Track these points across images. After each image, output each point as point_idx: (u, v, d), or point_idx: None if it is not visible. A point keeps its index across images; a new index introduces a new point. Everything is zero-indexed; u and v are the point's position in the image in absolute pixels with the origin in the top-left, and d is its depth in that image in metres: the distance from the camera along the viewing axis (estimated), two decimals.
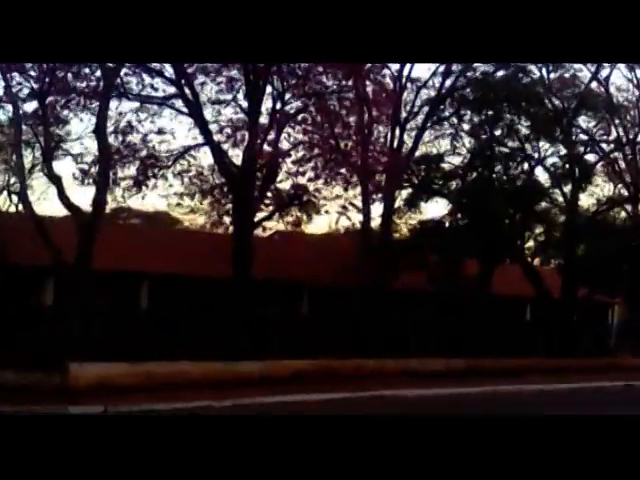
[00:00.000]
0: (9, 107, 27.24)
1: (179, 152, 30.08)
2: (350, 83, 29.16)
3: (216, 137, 28.89)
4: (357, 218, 34.53)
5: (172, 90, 28.45)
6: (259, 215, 30.01)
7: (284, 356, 26.88)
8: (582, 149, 40.82)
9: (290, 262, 32.40)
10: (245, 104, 28.83)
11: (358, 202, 33.52)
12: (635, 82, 41.92)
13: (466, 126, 37.94)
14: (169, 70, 27.73)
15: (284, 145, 29.37)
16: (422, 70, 41.75)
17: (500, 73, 36.57)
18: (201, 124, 28.15)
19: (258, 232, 31.25)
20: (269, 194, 30.02)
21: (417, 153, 36.71)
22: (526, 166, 38.94)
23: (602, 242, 37.89)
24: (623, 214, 43.95)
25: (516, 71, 36.25)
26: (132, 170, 29.62)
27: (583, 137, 41.35)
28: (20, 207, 28.13)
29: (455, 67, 35.71)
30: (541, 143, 38.69)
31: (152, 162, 29.67)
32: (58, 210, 29.02)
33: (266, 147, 28.31)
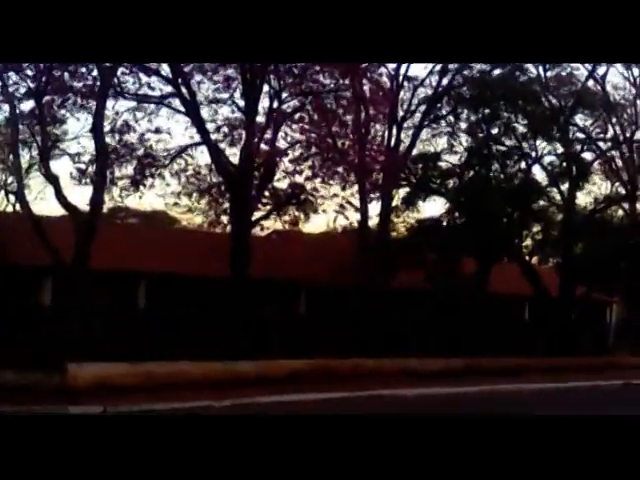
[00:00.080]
0: (6, 107, 27.17)
1: (176, 151, 30.11)
2: (347, 82, 29.14)
3: (213, 136, 28.94)
4: (355, 217, 34.56)
5: (169, 89, 28.49)
6: (256, 214, 29.99)
7: (282, 356, 26.85)
8: (579, 147, 40.82)
9: (288, 261, 32.37)
10: (242, 103, 28.83)
11: (355, 201, 33.56)
12: (632, 80, 41.97)
13: (463, 124, 38.02)
14: (166, 69, 27.72)
15: (281, 144, 29.41)
16: (419, 69, 41.78)
17: (497, 71, 36.57)
18: (198, 123, 28.13)
19: (256, 231, 31.19)
20: (266, 193, 30.01)
21: (414, 152, 36.75)
22: (523, 164, 38.97)
23: (600, 240, 37.89)
24: (620, 212, 44.03)
25: (513, 69, 36.26)
26: (129, 169, 29.70)
27: (580, 135, 41.34)
28: (17, 207, 28.04)
29: (452, 65, 35.67)
30: (538, 141, 38.72)
31: (149, 161, 29.68)
32: (55, 210, 29.02)
33: (263, 146, 28.30)
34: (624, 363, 37.62)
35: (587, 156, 41.37)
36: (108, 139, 27.57)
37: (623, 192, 43.06)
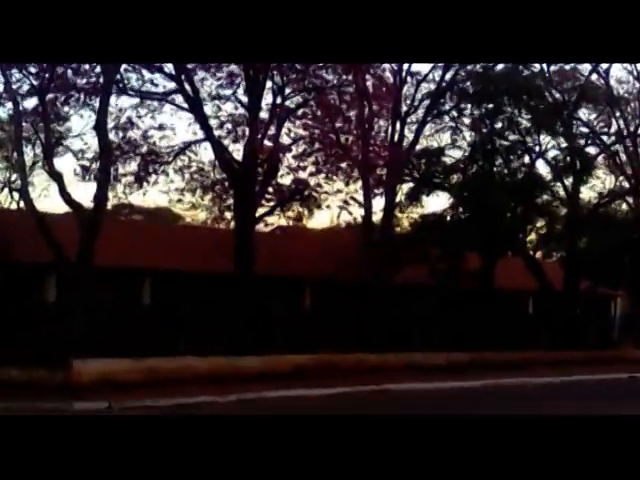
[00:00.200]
0: (9, 104, 27.16)
1: (180, 148, 30.08)
2: (350, 77, 29.09)
3: (216, 132, 28.89)
4: (358, 212, 34.51)
5: (172, 86, 28.45)
6: (260, 210, 29.97)
7: (287, 351, 26.90)
8: (583, 142, 40.82)
9: (292, 257, 32.37)
10: (245, 99, 28.82)
11: (359, 196, 33.49)
12: (635, 74, 41.87)
13: (467, 119, 37.92)
14: (169, 66, 27.67)
15: (285, 140, 29.37)
16: (422, 64, 41.63)
17: (500, 66, 36.51)
18: (201, 120, 28.13)
19: (259, 227, 31.21)
20: (270, 189, 29.95)
21: (418, 147, 36.66)
22: (527, 159, 38.95)
23: (604, 235, 37.88)
24: (625, 206, 43.98)
25: (516, 64, 36.19)
26: (133, 166, 29.67)
27: (584, 130, 41.34)
28: (21, 204, 28.07)
29: None
30: (542, 136, 38.68)
31: (153, 158, 29.68)
32: (59, 207, 29.06)
33: (267, 142, 28.24)
34: (629, 357, 37.66)
35: (591, 150, 41.43)
36: (112, 136, 27.56)
37: (627, 186, 43.00)
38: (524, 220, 38.74)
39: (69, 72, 26.68)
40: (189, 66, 27.63)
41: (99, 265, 24.68)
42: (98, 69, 26.27)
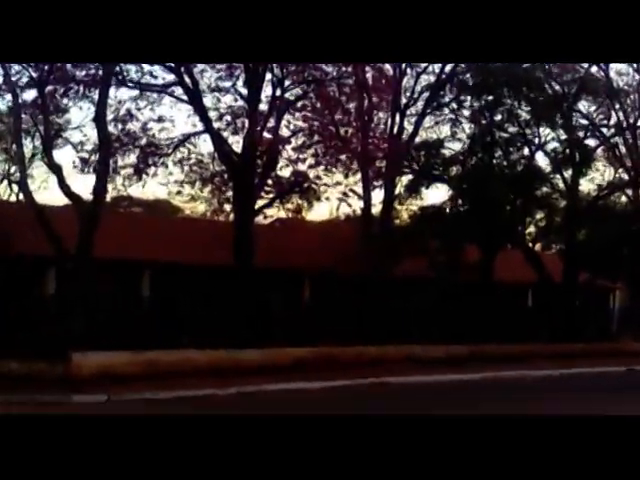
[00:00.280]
0: (9, 96, 27.11)
1: (179, 140, 30.05)
2: (350, 69, 29.05)
3: (216, 125, 28.87)
4: (358, 205, 34.48)
5: (171, 78, 28.41)
6: (260, 202, 29.95)
7: (286, 344, 26.91)
8: (582, 134, 40.78)
9: (291, 249, 32.36)
10: (245, 91, 28.79)
11: (359, 189, 33.46)
12: (635, 67, 41.75)
13: (466, 112, 37.87)
14: None
15: (284, 132, 29.35)
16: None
17: None
18: (201, 112, 28.11)
19: (259, 219, 31.18)
20: (269, 181, 29.93)
21: (417, 139, 36.62)
22: (526, 151, 38.93)
23: (603, 227, 37.90)
24: (624, 199, 43.98)
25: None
26: (132, 158, 29.65)
27: (583, 122, 41.29)
28: (21, 196, 28.04)
29: None
30: (541, 128, 38.64)
31: (152, 150, 29.65)
32: (59, 199, 29.03)
33: (266, 134, 28.23)
34: (628, 349, 37.70)
35: (590, 142, 41.35)
36: (111, 128, 27.54)
37: (626, 178, 42.96)
38: (523, 212, 38.73)
39: (68, 64, 26.62)
40: None
41: (98, 257, 24.67)
42: None
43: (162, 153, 29.92)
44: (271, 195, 30.66)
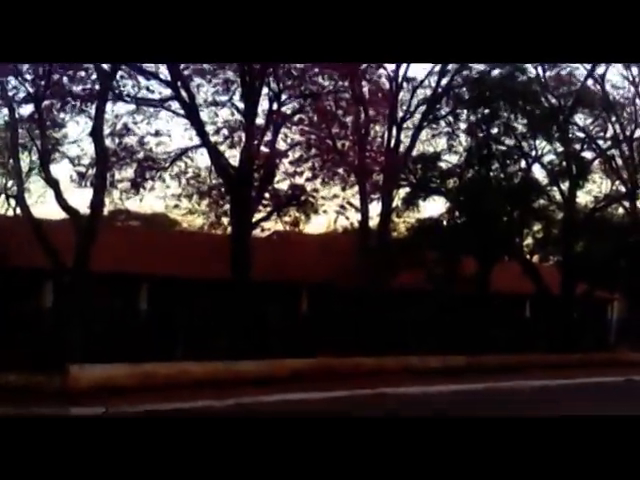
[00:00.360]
0: (5, 110, 27.17)
1: (176, 154, 30.13)
2: (346, 83, 29.19)
3: (213, 138, 28.95)
4: (355, 217, 34.55)
5: (168, 92, 28.48)
6: (257, 216, 30.00)
7: (284, 355, 26.91)
8: (579, 146, 40.88)
9: (288, 262, 32.39)
10: (241, 105, 28.88)
11: (356, 201, 33.55)
12: (631, 79, 41.91)
13: (463, 125, 38.00)
14: (164, 72, 27.80)
15: (281, 146, 29.39)
16: (418, 70, 41.85)
17: (496, 72, 36.62)
18: (198, 126, 28.16)
19: (256, 233, 31.22)
20: (267, 194, 30.01)
21: (414, 152, 36.71)
22: (523, 164, 39.08)
23: (600, 239, 37.96)
24: (621, 210, 44.04)
25: (512, 69, 36.29)
26: (129, 172, 29.71)
27: (580, 134, 41.40)
28: (18, 210, 28.05)
29: (451, 66, 35.76)
30: (538, 141, 38.81)
31: (149, 164, 29.72)
32: (56, 213, 29.04)
33: (263, 148, 28.29)
34: (626, 360, 37.66)
35: (587, 155, 41.51)
36: (108, 142, 27.64)
37: (623, 190, 43.02)
38: (521, 224, 38.81)
39: (65, 79, 26.75)
40: (185, 72, 27.73)
41: (96, 271, 24.70)
42: (94, 76, 26.35)
43: (159, 167, 30.00)
44: (268, 208, 30.74)
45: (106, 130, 27.25)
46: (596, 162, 42.32)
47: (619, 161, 42.86)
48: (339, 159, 29.43)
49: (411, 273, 33.49)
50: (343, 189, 31.66)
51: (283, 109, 29.19)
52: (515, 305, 40.88)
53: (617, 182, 43.52)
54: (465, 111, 37.15)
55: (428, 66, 35.59)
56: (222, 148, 29.34)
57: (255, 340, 27.23)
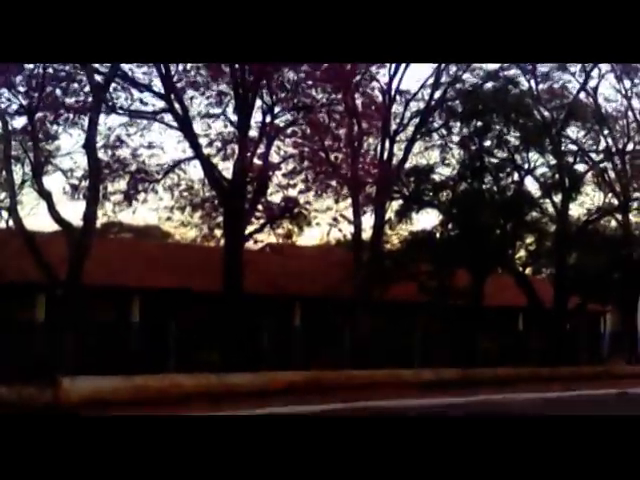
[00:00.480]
0: None
1: (169, 166, 30.14)
2: (339, 96, 29.22)
3: (206, 151, 28.96)
4: (348, 230, 34.52)
5: (161, 104, 28.55)
6: (250, 228, 29.96)
7: (277, 368, 26.88)
8: (571, 159, 41.00)
9: (281, 274, 32.37)
10: (235, 118, 28.95)
11: (349, 214, 33.51)
12: (623, 92, 42.09)
13: (455, 137, 38.10)
14: (158, 84, 27.86)
15: (274, 158, 29.40)
16: (411, 82, 41.90)
17: (489, 85, 36.77)
18: (191, 138, 28.20)
19: (249, 245, 31.16)
20: (260, 207, 29.97)
21: (407, 165, 36.78)
22: (516, 176, 39.15)
23: (593, 251, 38.03)
24: (613, 223, 44.11)
25: (505, 82, 36.47)
26: (122, 184, 29.68)
27: (572, 147, 41.57)
28: (10, 223, 27.98)
29: (444, 79, 35.92)
30: (531, 153, 38.95)
31: (142, 176, 29.70)
32: (49, 225, 28.97)
33: (256, 160, 28.30)
34: (618, 372, 37.67)
35: (580, 168, 41.64)
36: (101, 154, 27.58)
37: (616, 203, 43.10)
38: (513, 237, 38.87)
39: (58, 91, 26.79)
40: (178, 85, 27.78)
41: (88, 283, 24.64)
42: (87, 88, 26.37)
43: (152, 179, 29.98)
44: (261, 220, 30.68)
45: (99, 142, 27.25)
46: (589, 175, 42.42)
47: (611, 174, 43.00)
48: (332, 171, 29.47)
49: (404, 286, 33.47)
50: (336, 201, 31.64)
51: (276, 121, 29.24)
52: (508, 318, 40.88)
53: (609, 195, 43.61)
54: (458, 124, 37.29)
55: (421, 79, 35.77)
56: (215, 160, 29.38)
57: (248, 353, 27.19)
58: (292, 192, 30.13)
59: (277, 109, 29.02)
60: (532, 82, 38.72)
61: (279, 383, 25.47)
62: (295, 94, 28.47)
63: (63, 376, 21.32)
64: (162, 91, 27.80)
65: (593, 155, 42.56)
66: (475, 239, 34.26)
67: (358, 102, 30.90)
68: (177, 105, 27.70)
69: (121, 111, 28.69)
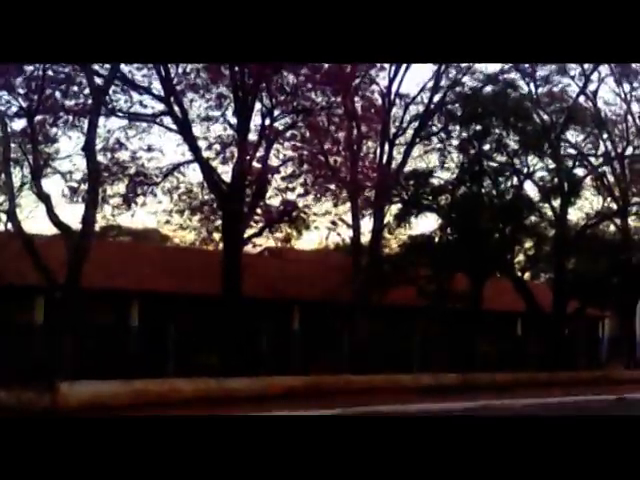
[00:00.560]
0: None
1: (168, 169, 30.10)
2: (339, 99, 29.19)
3: (205, 154, 28.92)
4: (347, 233, 34.52)
5: (161, 107, 28.52)
6: (249, 231, 29.90)
7: (275, 372, 26.84)
8: (571, 163, 41.02)
9: (280, 278, 32.34)
10: (234, 121, 28.89)
11: (348, 217, 33.52)
12: (622, 96, 42.08)
13: (455, 141, 38.10)
14: (157, 87, 27.82)
15: (273, 161, 29.36)
16: (411, 85, 41.92)
17: (488, 88, 36.77)
18: (190, 141, 28.15)
19: (248, 248, 31.14)
20: (259, 210, 29.92)
21: (406, 168, 36.75)
22: (515, 180, 39.19)
23: (592, 256, 38.02)
24: (612, 228, 44.10)
25: (504, 86, 36.47)
26: (121, 187, 29.63)
27: (571, 151, 41.58)
28: (9, 226, 27.93)
29: (443, 82, 35.92)
30: (530, 157, 38.97)
31: (141, 179, 29.65)
32: (47, 228, 28.94)
33: (255, 163, 28.26)
34: (617, 377, 37.64)
35: (579, 172, 41.69)
36: (100, 157, 27.54)
37: (615, 207, 43.11)
38: (512, 241, 38.86)
39: (57, 93, 26.74)
40: (178, 88, 27.74)
41: (87, 287, 24.58)
42: (87, 91, 26.33)
43: (151, 182, 29.93)
44: (260, 224, 30.63)
45: (98, 145, 27.18)
46: (588, 179, 42.47)
47: (611, 178, 43.01)
48: (331, 175, 29.44)
49: (403, 290, 33.45)
50: (335, 205, 31.66)
51: (276, 125, 29.21)
52: (507, 322, 40.87)
53: (608, 199, 43.64)
54: (457, 128, 37.31)
55: (420, 82, 35.82)
56: (214, 163, 29.33)
57: (247, 356, 27.14)
58: (291, 195, 30.17)
59: (276, 112, 28.99)
60: (531, 86, 38.77)
61: (278, 388, 25.45)
62: (294, 97, 28.44)
63: (62, 380, 21.27)
64: (162, 94, 27.77)
65: (592, 159, 42.61)
66: (474, 243, 34.26)
67: (357, 105, 30.91)
68: (176, 108, 27.68)
69: (120, 114, 28.66)
